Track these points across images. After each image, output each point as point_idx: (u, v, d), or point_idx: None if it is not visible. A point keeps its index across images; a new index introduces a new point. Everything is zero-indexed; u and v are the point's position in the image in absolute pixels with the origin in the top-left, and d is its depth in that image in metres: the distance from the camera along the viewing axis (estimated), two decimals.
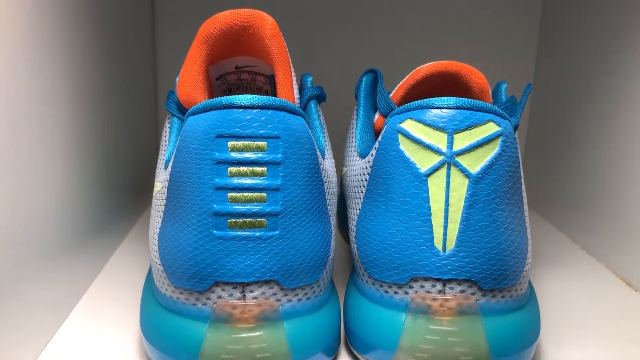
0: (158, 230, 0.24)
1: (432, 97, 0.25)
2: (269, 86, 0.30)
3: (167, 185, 0.23)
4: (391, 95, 0.29)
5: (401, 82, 0.29)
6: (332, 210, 0.26)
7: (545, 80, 0.52)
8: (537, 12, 0.53)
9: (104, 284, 0.34)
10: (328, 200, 0.25)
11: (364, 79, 0.31)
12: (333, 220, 0.26)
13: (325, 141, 0.28)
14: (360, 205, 0.25)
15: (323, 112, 0.46)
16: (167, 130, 0.28)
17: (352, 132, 0.30)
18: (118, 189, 0.40)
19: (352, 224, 0.26)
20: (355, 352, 0.25)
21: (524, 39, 0.54)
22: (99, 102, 0.35)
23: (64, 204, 0.29)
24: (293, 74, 0.27)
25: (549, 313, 0.32)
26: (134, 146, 0.45)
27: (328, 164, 0.26)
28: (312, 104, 0.29)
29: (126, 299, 0.32)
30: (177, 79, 0.28)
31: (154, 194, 0.27)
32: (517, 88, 0.54)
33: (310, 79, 0.30)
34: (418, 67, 0.28)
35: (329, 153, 0.28)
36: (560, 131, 0.48)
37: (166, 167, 0.25)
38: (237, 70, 0.30)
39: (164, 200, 0.24)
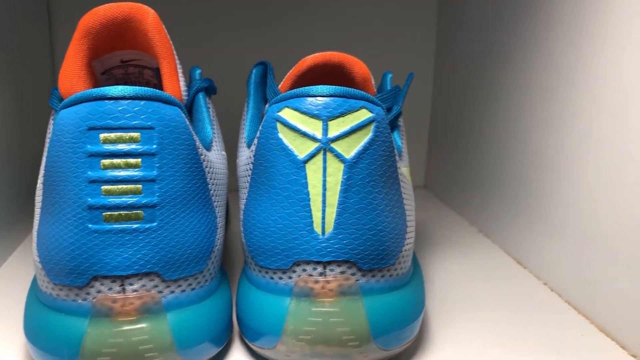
0: (37, 227, 0.24)
1: None
2: (156, 80, 0.30)
3: (42, 182, 0.23)
4: (279, 86, 0.30)
5: (288, 74, 0.29)
6: (219, 201, 0.26)
7: (445, 69, 0.54)
8: (434, 3, 0.55)
9: None
10: (212, 191, 0.25)
11: (254, 71, 0.31)
12: (220, 212, 0.26)
13: (214, 133, 0.28)
14: (247, 195, 0.26)
15: (219, 108, 0.45)
16: (51, 127, 0.28)
17: (243, 124, 0.31)
18: (13, 193, 0.39)
19: (240, 213, 0.27)
20: (245, 340, 0.26)
21: (423, 27, 0.55)
22: None
23: None
24: (179, 66, 0.27)
25: (441, 292, 0.33)
26: (29, 148, 0.43)
27: (214, 156, 0.26)
28: (201, 96, 0.29)
29: (15, 305, 0.31)
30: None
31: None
32: (418, 77, 0.56)
33: (198, 71, 0.30)
34: (303, 58, 0.29)
35: (218, 145, 0.28)
36: (460, 121, 0.50)
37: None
38: (123, 64, 0.30)
39: (41, 197, 0.23)
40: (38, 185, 0.25)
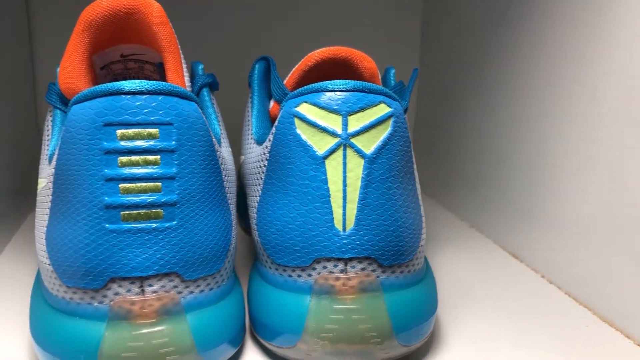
0: (45, 228, 0.23)
1: None
2: (158, 75, 0.29)
3: (52, 180, 0.22)
4: (284, 82, 0.29)
5: (294, 69, 0.29)
6: (232, 198, 0.25)
7: (431, 65, 0.54)
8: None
9: None
10: (227, 189, 0.24)
11: (256, 66, 0.31)
12: (233, 209, 0.25)
13: (220, 129, 0.28)
14: (260, 192, 0.25)
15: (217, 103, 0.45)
16: (50, 123, 0.27)
17: (248, 120, 0.30)
18: None
19: (253, 211, 0.26)
20: (261, 340, 0.25)
21: (408, 23, 0.56)
22: None
23: None
24: (183, 61, 0.27)
25: (444, 289, 0.33)
26: (12, 144, 0.42)
27: (225, 152, 0.26)
28: (205, 91, 0.28)
29: (12, 306, 0.30)
30: (58, 69, 0.26)
31: (38, 191, 0.25)
32: (404, 73, 0.56)
33: (201, 66, 0.29)
34: (309, 53, 0.28)
35: (225, 141, 0.28)
36: (446, 116, 0.50)
37: (50, 162, 0.24)
38: (122, 58, 0.29)
39: (50, 197, 0.22)
40: (43, 185, 0.24)
